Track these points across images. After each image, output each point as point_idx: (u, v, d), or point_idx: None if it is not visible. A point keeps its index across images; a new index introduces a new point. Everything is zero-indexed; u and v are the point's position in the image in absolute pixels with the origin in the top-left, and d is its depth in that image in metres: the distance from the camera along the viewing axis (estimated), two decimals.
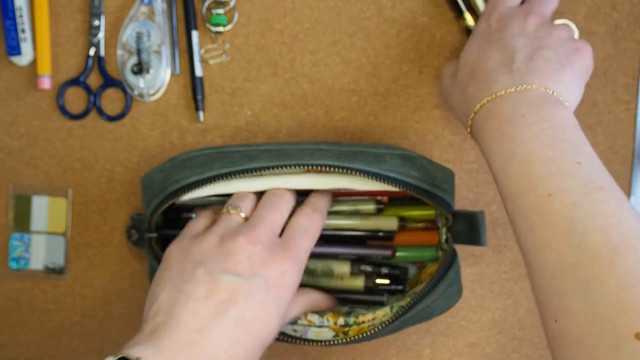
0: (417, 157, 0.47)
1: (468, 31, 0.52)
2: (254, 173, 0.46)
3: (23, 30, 0.54)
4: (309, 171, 0.47)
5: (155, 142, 0.55)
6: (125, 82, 0.54)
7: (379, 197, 0.50)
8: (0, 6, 0.54)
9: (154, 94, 0.54)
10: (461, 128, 0.54)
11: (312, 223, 0.46)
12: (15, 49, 0.54)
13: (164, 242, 0.49)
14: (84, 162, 0.55)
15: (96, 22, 0.54)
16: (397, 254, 0.51)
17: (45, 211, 0.55)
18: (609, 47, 0.54)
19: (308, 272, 0.50)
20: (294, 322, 0.49)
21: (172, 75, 0.54)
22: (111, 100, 0.55)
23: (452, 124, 0.55)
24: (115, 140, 0.55)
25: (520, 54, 0.45)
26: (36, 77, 0.54)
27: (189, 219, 0.50)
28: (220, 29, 0.54)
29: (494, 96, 0.43)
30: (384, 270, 0.51)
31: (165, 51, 0.54)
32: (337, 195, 0.50)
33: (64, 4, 0.54)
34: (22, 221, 0.56)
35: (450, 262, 0.48)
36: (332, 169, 0.45)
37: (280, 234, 0.45)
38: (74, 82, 0.55)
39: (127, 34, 0.54)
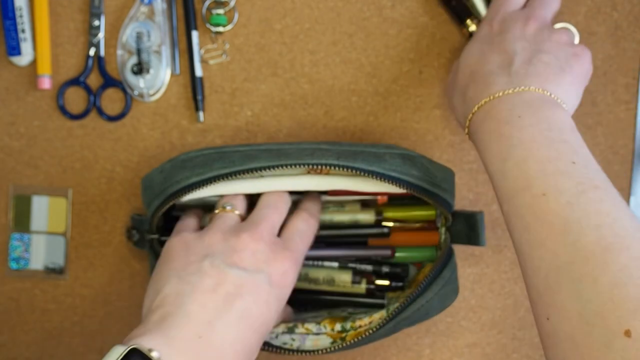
0: (417, 156, 0.47)
1: (471, 36, 0.52)
2: (254, 173, 0.46)
3: (23, 30, 0.54)
4: (309, 172, 0.47)
5: (155, 142, 0.55)
6: (125, 82, 0.54)
7: (379, 197, 0.50)
8: (0, 6, 0.54)
9: (154, 94, 0.54)
10: (461, 128, 0.54)
11: (308, 227, 0.47)
12: (15, 49, 0.54)
13: (164, 243, 0.49)
14: (84, 162, 0.55)
15: (96, 22, 0.54)
16: (397, 254, 0.51)
17: (45, 211, 0.55)
18: (609, 47, 0.54)
19: (309, 280, 0.50)
20: (291, 331, 0.49)
21: (172, 75, 0.54)
22: (111, 100, 0.55)
23: (452, 124, 0.55)
24: (115, 140, 0.55)
25: (520, 57, 0.45)
26: (36, 77, 0.54)
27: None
28: (220, 29, 0.54)
29: (491, 97, 0.44)
30: (385, 269, 0.51)
31: (165, 51, 0.54)
32: (336, 195, 0.50)
33: (64, 4, 0.54)
34: (22, 221, 0.56)
35: (445, 261, 0.48)
36: (332, 168, 0.45)
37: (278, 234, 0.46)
38: (74, 82, 0.55)
39: (127, 34, 0.54)
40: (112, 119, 0.55)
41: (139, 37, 0.53)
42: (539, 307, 0.38)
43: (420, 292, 0.47)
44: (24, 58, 0.54)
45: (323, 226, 0.50)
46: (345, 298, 0.51)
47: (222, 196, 0.48)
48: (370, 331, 0.47)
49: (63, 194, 0.55)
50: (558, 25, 0.52)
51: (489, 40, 0.48)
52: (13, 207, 0.56)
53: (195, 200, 0.49)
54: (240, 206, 0.47)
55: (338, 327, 0.49)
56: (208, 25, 0.54)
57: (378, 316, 0.49)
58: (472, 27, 0.52)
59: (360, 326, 0.49)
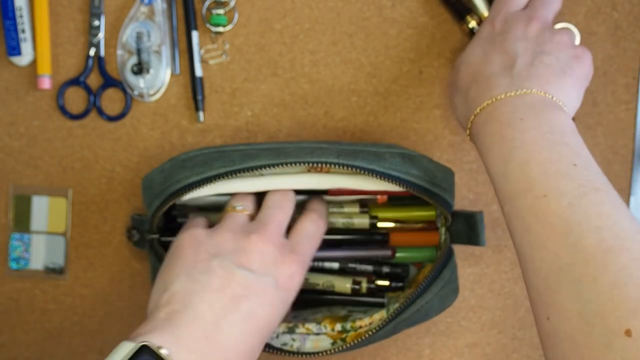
0: (417, 155, 0.47)
1: (472, 33, 0.52)
2: (254, 172, 0.46)
3: (23, 30, 0.54)
4: (309, 170, 0.47)
5: (155, 142, 0.55)
6: (125, 82, 0.54)
7: (378, 196, 0.50)
8: (0, 6, 0.54)
9: (154, 94, 0.54)
10: (461, 128, 0.54)
11: (317, 229, 0.47)
12: (15, 49, 0.54)
13: (165, 243, 0.49)
14: (84, 162, 0.55)
15: (96, 22, 0.54)
16: (397, 254, 0.51)
17: (45, 211, 0.55)
18: (609, 47, 0.54)
19: (309, 285, 0.50)
20: (292, 332, 0.49)
21: (172, 75, 0.54)
22: (111, 100, 0.55)
23: (452, 124, 0.55)
24: (115, 140, 0.55)
25: (522, 59, 0.45)
26: (36, 77, 0.54)
27: (184, 223, 0.50)
28: (220, 29, 0.54)
29: (494, 100, 0.44)
30: (385, 269, 0.51)
31: (165, 51, 0.54)
32: (334, 194, 0.50)
33: (64, 4, 0.54)
34: (22, 221, 0.56)
35: (444, 261, 0.48)
36: (332, 166, 0.45)
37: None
38: (74, 82, 0.55)
39: (127, 34, 0.54)
40: (112, 119, 0.55)
41: (139, 37, 0.53)
42: (539, 307, 0.38)
43: (420, 293, 0.47)
44: (24, 58, 0.54)
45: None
46: (347, 297, 0.51)
47: (232, 195, 0.47)
48: (370, 332, 0.47)
49: (63, 194, 0.55)
50: (558, 26, 0.52)
51: (491, 40, 0.48)
52: (13, 207, 0.56)
53: (195, 200, 0.49)
54: (251, 207, 0.47)
55: (338, 327, 0.49)
56: (208, 25, 0.54)
57: (378, 317, 0.49)
58: (472, 24, 0.52)
59: (360, 326, 0.49)
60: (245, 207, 0.46)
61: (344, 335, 0.49)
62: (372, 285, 0.50)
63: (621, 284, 0.34)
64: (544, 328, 0.37)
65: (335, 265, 0.51)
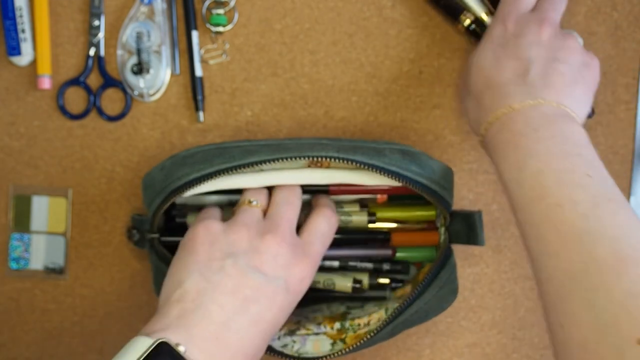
0: (417, 152, 0.48)
1: (468, 31, 0.52)
2: (255, 167, 0.46)
3: (23, 30, 0.54)
4: (309, 165, 0.47)
5: (155, 142, 0.55)
6: (125, 82, 0.54)
7: (378, 196, 0.50)
8: (0, 6, 0.54)
9: (154, 94, 0.54)
10: (461, 128, 0.54)
11: (330, 228, 0.47)
12: (15, 49, 0.54)
13: (165, 243, 0.49)
14: (84, 162, 0.55)
15: (96, 22, 0.54)
16: (397, 254, 0.51)
17: (45, 211, 0.55)
18: (609, 47, 0.54)
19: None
20: (293, 333, 0.49)
21: (172, 75, 0.54)
22: (111, 100, 0.55)
23: (452, 124, 0.55)
24: (115, 140, 0.55)
25: (535, 66, 0.45)
26: (36, 77, 0.54)
27: (183, 224, 0.50)
28: (220, 29, 0.54)
29: (509, 109, 0.44)
30: (386, 267, 0.51)
31: (165, 51, 0.54)
32: (335, 194, 0.50)
33: (64, 4, 0.54)
34: (22, 221, 0.56)
35: (442, 262, 0.48)
36: (332, 161, 0.45)
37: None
38: (74, 82, 0.55)
39: (127, 34, 0.54)
40: (112, 119, 0.55)
41: (139, 37, 0.53)
42: (552, 315, 0.38)
43: (418, 294, 0.47)
44: (24, 58, 0.54)
45: None
46: (346, 294, 0.51)
47: (245, 190, 0.47)
48: (370, 335, 0.47)
49: (63, 194, 0.55)
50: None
51: (503, 43, 0.48)
52: (13, 207, 0.56)
53: (195, 200, 0.49)
54: (264, 201, 0.47)
55: (337, 325, 0.49)
56: (208, 25, 0.54)
57: (377, 316, 0.49)
58: (467, 22, 0.52)
59: (359, 325, 0.49)
60: (259, 201, 0.46)
61: (343, 336, 0.49)
62: (374, 282, 0.50)
63: (635, 293, 0.34)
64: (557, 336, 0.37)
65: (336, 263, 0.51)
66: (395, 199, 0.51)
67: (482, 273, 0.55)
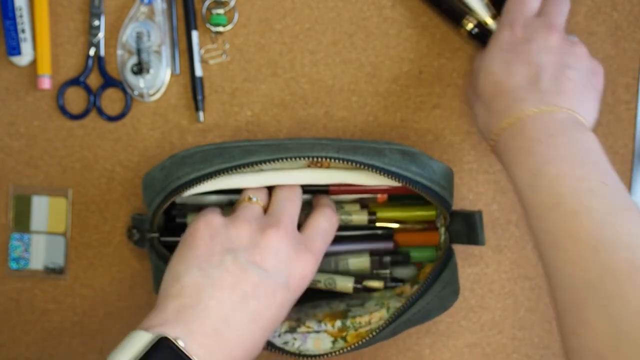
0: (417, 153, 0.48)
1: (472, 35, 0.52)
2: (255, 167, 0.46)
3: (23, 30, 0.54)
4: (309, 165, 0.47)
5: (155, 142, 0.55)
6: (125, 82, 0.54)
7: (378, 196, 0.50)
8: (0, 6, 0.54)
9: (154, 94, 0.54)
10: (461, 128, 0.54)
11: (331, 227, 0.47)
12: (15, 49, 0.54)
13: (165, 243, 0.49)
14: (84, 162, 0.55)
15: (96, 22, 0.54)
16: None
17: (45, 211, 0.55)
18: (609, 47, 0.54)
19: (311, 283, 0.50)
20: (293, 331, 0.49)
21: (172, 75, 0.54)
22: (111, 100, 0.55)
23: (452, 124, 0.55)
24: (115, 140, 0.55)
25: (546, 72, 0.45)
26: (36, 77, 0.54)
27: (183, 224, 0.50)
28: (220, 29, 0.54)
29: (523, 114, 0.44)
30: (387, 258, 0.51)
31: (165, 51, 0.54)
32: (335, 193, 0.50)
33: (64, 4, 0.54)
34: (22, 221, 0.56)
35: (444, 262, 0.48)
36: (332, 161, 0.45)
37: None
38: (74, 82, 0.55)
39: (127, 34, 0.54)
40: (112, 119, 0.55)
41: (139, 37, 0.53)
42: (566, 323, 0.38)
43: (420, 294, 0.47)
44: (24, 58, 0.54)
45: None
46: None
47: (244, 189, 0.47)
48: (371, 335, 0.47)
49: (63, 194, 0.55)
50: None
51: (512, 49, 0.47)
52: (13, 207, 0.56)
53: (195, 200, 0.49)
54: (265, 199, 0.47)
55: (338, 323, 0.49)
56: (208, 25, 0.54)
57: (378, 315, 0.49)
58: (470, 26, 0.52)
59: (360, 323, 0.49)
60: (259, 198, 0.46)
61: (344, 334, 0.49)
62: (376, 266, 0.51)
63: None
64: (570, 343, 0.37)
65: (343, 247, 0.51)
66: (396, 199, 0.51)
67: (482, 273, 0.55)
